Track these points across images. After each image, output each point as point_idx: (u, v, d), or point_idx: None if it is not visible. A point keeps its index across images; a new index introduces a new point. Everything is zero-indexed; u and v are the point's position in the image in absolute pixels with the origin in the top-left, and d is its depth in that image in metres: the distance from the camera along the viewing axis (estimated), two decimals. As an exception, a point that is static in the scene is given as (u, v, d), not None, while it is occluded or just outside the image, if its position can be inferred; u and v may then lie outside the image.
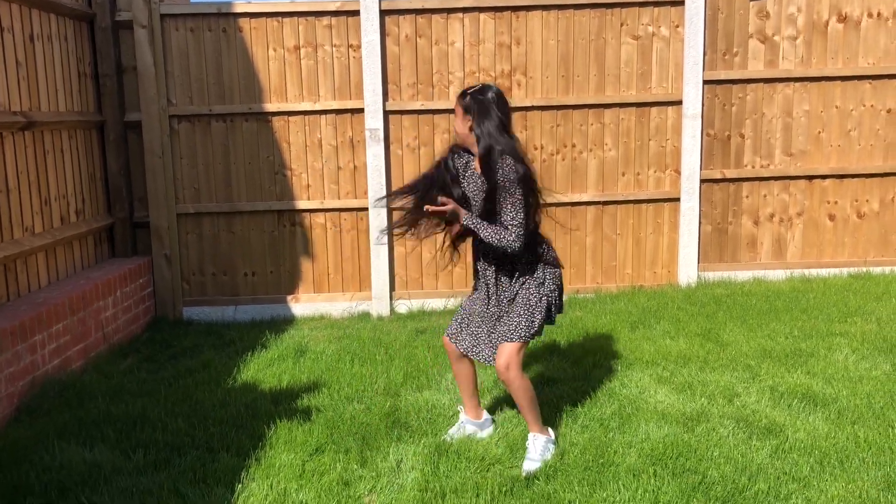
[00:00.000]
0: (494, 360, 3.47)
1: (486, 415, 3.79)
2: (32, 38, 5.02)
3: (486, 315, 3.55)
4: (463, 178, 3.53)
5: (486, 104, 3.36)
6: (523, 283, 3.45)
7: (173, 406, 4.19)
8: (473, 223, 3.35)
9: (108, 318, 5.36)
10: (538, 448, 3.43)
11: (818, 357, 4.39)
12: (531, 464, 3.37)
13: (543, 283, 3.47)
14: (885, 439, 3.30)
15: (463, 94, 3.44)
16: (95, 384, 4.58)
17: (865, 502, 2.88)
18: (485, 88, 3.42)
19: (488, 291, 3.52)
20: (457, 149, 3.56)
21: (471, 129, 3.39)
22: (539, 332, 3.48)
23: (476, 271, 3.61)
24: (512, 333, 3.41)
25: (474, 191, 3.47)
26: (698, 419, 3.66)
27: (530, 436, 3.48)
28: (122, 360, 5.17)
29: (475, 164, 3.49)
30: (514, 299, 3.46)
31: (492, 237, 3.31)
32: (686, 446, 3.34)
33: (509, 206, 3.28)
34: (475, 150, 3.42)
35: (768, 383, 4.05)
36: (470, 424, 3.73)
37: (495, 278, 3.49)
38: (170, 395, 4.37)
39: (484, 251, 3.49)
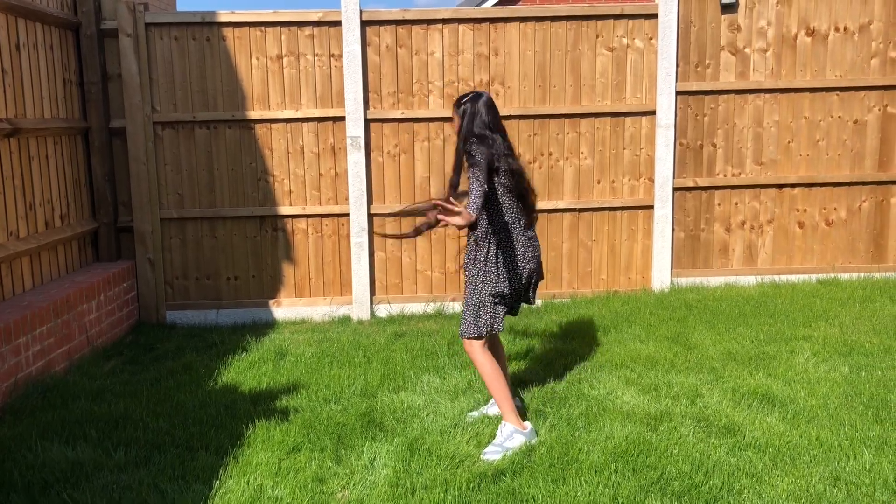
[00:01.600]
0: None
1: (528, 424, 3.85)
2: (18, 46, 5.13)
3: None
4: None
5: (473, 110, 3.74)
6: (475, 275, 3.78)
7: (155, 406, 4.30)
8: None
9: (92, 322, 5.46)
10: (503, 434, 3.64)
11: (780, 360, 4.55)
12: (492, 449, 3.57)
13: (490, 283, 3.74)
14: (837, 437, 3.45)
15: (457, 103, 3.80)
16: (79, 385, 4.68)
17: (812, 496, 3.03)
18: (476, 96, 3.80)
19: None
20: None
21: (458, 131, 3.75)
22: (497, 329, 3.77)
23: None
24: (464, 329, 3.76)
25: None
26: (661, 419, 3.81)
27: (501, 422, 3.70)
28: (106, 363, 5.27)
29: None
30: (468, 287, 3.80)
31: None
32: (647, 444, 3.49)
33: (472, 186, 3.52)
34: None
35: (730, 385, 4.21)
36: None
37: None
38: (152, 396, 4.48)
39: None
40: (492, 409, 4.01)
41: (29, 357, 4.63)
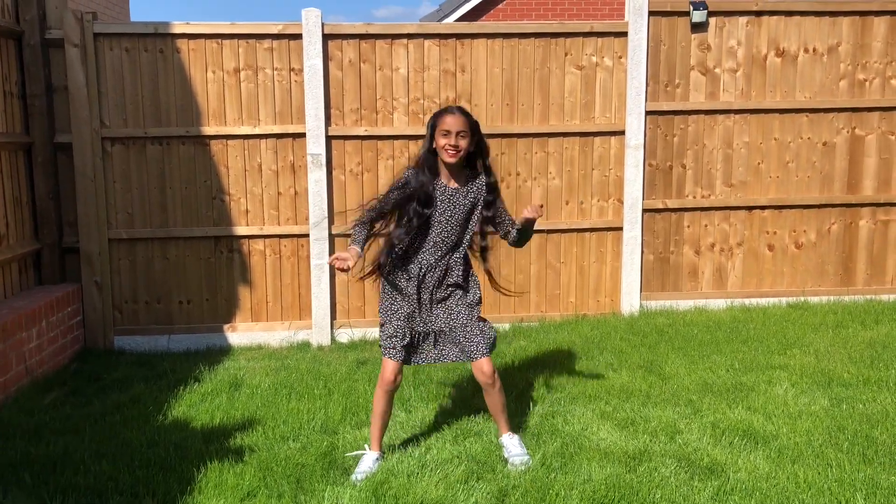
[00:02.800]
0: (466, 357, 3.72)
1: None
2: (-46, 55, 4.79)
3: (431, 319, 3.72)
4: (437, 199, 3.63)
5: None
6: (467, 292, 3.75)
7: (98, 446, 3.98)
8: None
9: (32, 350, 5.10)
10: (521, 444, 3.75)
11: (758, 391, 4.40)
12: (525, 456, 3.65)
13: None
14: (825, 479, 3.29)
15: (463, 111, 3.58)
16: (14, 422, 4.33)
17: (806, 547, 2.86)
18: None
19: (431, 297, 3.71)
20: (421, 170, 3.63)
21: (468, 147, 3.58)
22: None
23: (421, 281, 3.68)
24: (484, 347, 3.71)
25: (452, 209, 3.62)
26: (641, 458, 3.61)
27: (505, 436, 3.77)
28: (47, 395, 4.92)
29: (449, 182, 3.63)
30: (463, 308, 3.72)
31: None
32: (628, 488, 3.29)
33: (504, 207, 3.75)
34: (450, 160, 3.56)
35: (710, 419, 4.04)
36: (381, 459, 3.76)
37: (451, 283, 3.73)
38: (95, 434, 4.16)
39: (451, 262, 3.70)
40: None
41: (-40, 392, 4.27)
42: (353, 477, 3.57)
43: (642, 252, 6.33)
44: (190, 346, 6.00)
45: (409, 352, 3.72)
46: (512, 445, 3.72)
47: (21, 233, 5.61)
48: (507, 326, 6.21)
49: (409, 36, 5.98)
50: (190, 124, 5.88)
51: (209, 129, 5.89)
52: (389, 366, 3.66)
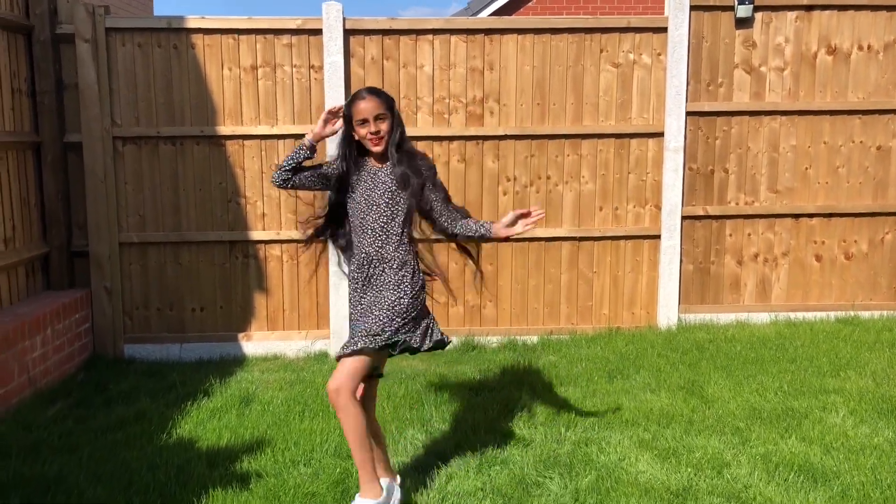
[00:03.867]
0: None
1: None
2: (-43, 50, 4.55)
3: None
4: (357, 181, 3.29)
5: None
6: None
7: (96, 467, 3.71)
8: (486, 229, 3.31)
9: (36, 360, 4.85)
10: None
11: (812, 419, 4.02)
12: None
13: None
14: (897, 528, 2.92)
15: (379, 93, 3.23)
16: (11, 438, 4.08)
17: None
18: None
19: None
20: (347, 151, 3.28)
21: (390, 129, 3.22)
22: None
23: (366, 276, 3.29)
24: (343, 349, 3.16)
25: (375, 190, 3.24)
26: (685, 495, 3.26)
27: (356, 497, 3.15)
28: (50, 407, 4.67)
29: (374, 163, 3.28)
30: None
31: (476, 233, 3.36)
32: (672, 532, 2.94)
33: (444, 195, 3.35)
34: (377, 150, 3.22)
35: (760, 451, 3.67)
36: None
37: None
38: (94, 453, 3.89)
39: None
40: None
41: (-46, 405, 4.03)
42: None
43: (681, 262, 5.95)
44: (203, 356, 5.73)
45: None
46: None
47: (29, 235, 5.37)
48: (535, 339, 5.87)
49: (435, 31, 5.66)
50: (205, 124, 5.61)
51: (225, 129, 5.61)
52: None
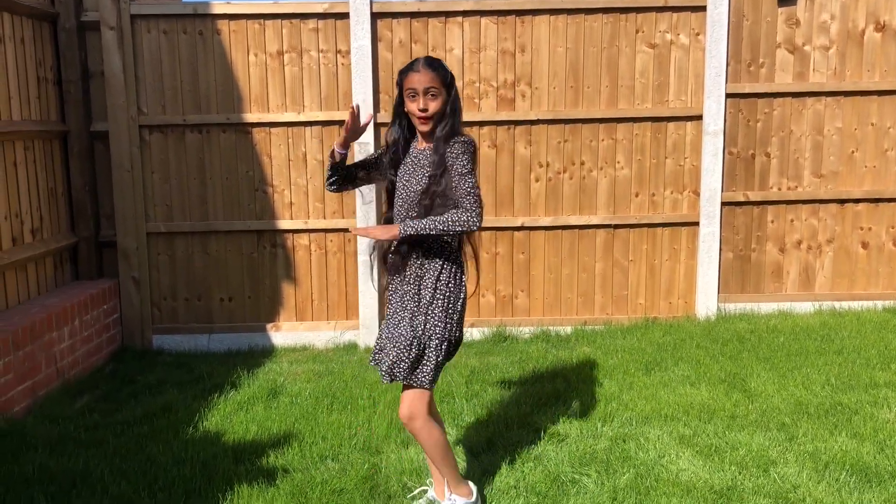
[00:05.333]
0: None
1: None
2: (-19, 38, 4.50)
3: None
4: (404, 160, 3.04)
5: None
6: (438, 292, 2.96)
7: (121, 462, 3.64)
8: (415, 227, 2.81)
9: (64, 351, 4.81)
10: None
11: (863, 415, 3.82)
12: None
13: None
14: (960, 533, 2.73)
15: (437, 66, 2.91)
16: (38, 431, 4.02)
17: None
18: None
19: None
20: (398, 121, 3.03)
21: (442, 109, 2.90)
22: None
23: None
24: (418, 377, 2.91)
25: (414, 174, 2.97)
26: (730, 495, 3.10)
27: (446, 496, 3.05)
28: (77, 399, 4.63)
29: (421, 144, 3.01)
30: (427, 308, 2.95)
31: (447, 225, 2.80)
32: (717, 535, 2.78)
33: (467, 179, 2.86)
34: (423, 129, 2.94)
35: (808, 448, 3.49)
36: None
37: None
38: (120, 447, 3.82)
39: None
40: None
41: (-19, 398, 3.99)
42: None
43: (720, 249, 5.75)
44: (231, 346, 5.67)
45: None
46: None
47: (56, 226, 5.33)
48: (568, 330, 5.71)
49: (465, 13, 5.50)
50: (231, 111, 5.52)
51: (251, 116, 5.52)
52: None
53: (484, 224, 5.58)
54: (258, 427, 4.04)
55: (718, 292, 5.76)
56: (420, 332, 2.91)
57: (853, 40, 5.63)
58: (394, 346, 2.92)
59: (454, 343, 2.98)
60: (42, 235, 5.14)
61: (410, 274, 2.98)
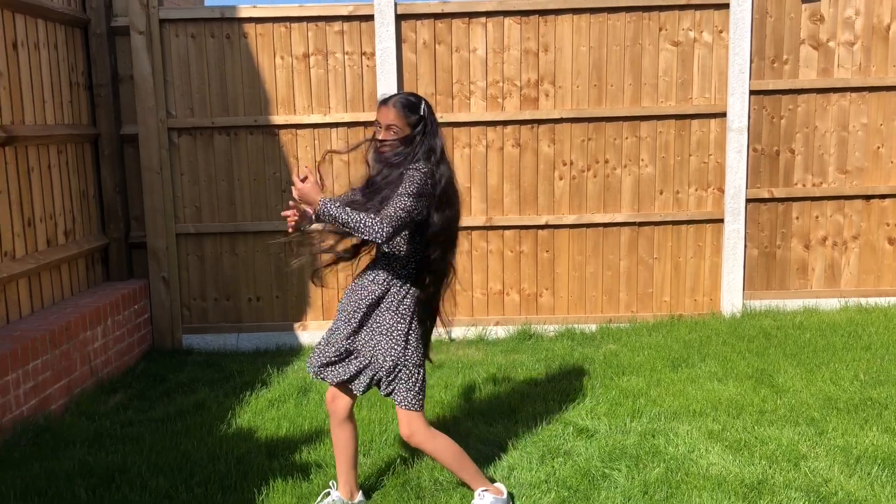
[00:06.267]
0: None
1: (360, 496, 3.26)
2: (16, 45, 4.59)
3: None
4: None
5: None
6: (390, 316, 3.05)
7: (157, 458, 3.71)
8: (332, 209, 2.86)
9: (97, 350, 4.90)
10: None
11: (893, 409, 3.82)
12: None
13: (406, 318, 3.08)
14: None
15: (408, 106, 3.04)
16: (75, 428, 4.11)
17: None
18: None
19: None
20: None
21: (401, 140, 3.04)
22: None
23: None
24: (406, 401, 3.05)
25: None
26: (761, 489, 3.12)
27: (476, 492, 3.09)
28: (110, 397, 4.71)
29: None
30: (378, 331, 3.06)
31: (351, 223, 2.85)
32: (750, 528, 2.80)
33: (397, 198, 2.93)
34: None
35: (838, 443, 3.50)
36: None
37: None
38: (155, 444, 3.89)
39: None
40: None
41: (20, 395, 4.08)
42: None
43: (745, 246, 5.75)
44: (259, 345, 5.74)
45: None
46: None
47: (88, 228, 5.43)
48: (593, 328, 5.73)
49: (488, 14, 5.54)
50: (258, 113, 5.60)
51: (278, 118, 5.59)
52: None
53: (508, 222, 5.67)
54: (290, 423, 4.10)
55: (744, 289, 5.76)
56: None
57: (878, 36, 5.62)
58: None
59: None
60: (75, 237, 5.24)
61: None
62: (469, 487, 3.14)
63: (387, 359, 3.01)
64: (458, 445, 3.13)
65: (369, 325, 3.06)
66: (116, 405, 4.57)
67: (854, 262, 5.83)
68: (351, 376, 3.07)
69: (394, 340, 3.02)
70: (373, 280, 3.09)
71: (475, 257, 5.74)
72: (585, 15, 5.56)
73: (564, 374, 4.68)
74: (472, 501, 3.09)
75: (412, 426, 3.04)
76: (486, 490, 3.09)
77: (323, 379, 3.12)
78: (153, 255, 5.63)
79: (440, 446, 3.09)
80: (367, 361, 3.05)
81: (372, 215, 2.86)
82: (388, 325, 3.03)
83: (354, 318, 3.06)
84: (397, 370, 3.02)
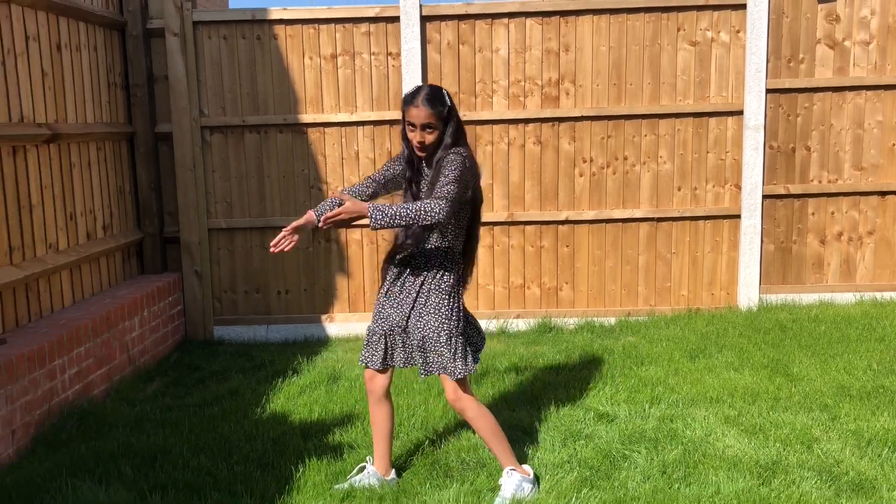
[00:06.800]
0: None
1: (393, 473, 3.44)
2: (60, 47, 4.81)
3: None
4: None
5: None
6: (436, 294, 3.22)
7: (196, 439, 3.90)
8: (384, 212, 2.95)
9: (135, 340, 5.11)
10: (512, 484, 3.18)
11: (905, 396, 3.95)
12: (501, 501, 3.14)
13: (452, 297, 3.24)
14: None
15: (434, 101, 3.13)
16: (117, 412, 4.32)
17: None
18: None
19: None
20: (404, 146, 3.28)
21: (439, 136, 3.16)
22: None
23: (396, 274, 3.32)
24: (455, 371, 3.20)
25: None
26: (775, 469, 3.26)
27: (504, 471, 3.24)
28: (148, 385, 4.92)
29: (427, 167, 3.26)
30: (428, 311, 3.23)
31: (411, 215, 2.95)
32: (764, 503, 2.95)
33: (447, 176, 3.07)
34: (420, 155, 3.21)
35: (850, 427, 3.63)
36: (375, 478, 3.36)
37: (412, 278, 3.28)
38: (194, 427, 4.08)
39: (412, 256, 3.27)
40: (374, 480, 3.38)
41: (65, 381, 4.29)
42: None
43: (762, 241, 5.88)
44: (288, 337, 5.93)
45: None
46: (504, 484, 3.21)
47: (124, 223, 5.65)
48: (612, 321, 5.88)
49: (510, 15, 5.71)
50: (287, 112, 5.79)
51: (306, 117, 5.78)
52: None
53: (529, 218, 5.83)
54: (321, 408, 4.29)
55: (760, 283, 5.89)
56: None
57: (893, 35, 5.72)
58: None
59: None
60: (112, 231, 5.46)
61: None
62: (499, 463, 3.29)
63: (440, 334, 3.17)
64: (497, 423, 3.29)
65: (416, 308, 3.23)
66: (154, 392, 4.77)
67: (869, 257, 5.94)
68: (405, 361, 3.29)
69: (443, 316, 3.19)
70: (418, 265, 3.25)
71: (497, 252, 5.90)
72: (605, 15, 5.71)
73: (584, 364, 4.83)
74: (500, 479, 3.25)
75: (458, 391, 3.20)
76: (514, 469, 3.25)
77: (386, 367, 3.32)
78: (186, 250, 5.84)
79: (482, 413, 3.25)
80: (417, 341, 3.23)
81: (426, 200, 2.99)
82: (434, 304, 3.20)
83: (406, 303, 3.24)
84: (450, 341, 3.18)
